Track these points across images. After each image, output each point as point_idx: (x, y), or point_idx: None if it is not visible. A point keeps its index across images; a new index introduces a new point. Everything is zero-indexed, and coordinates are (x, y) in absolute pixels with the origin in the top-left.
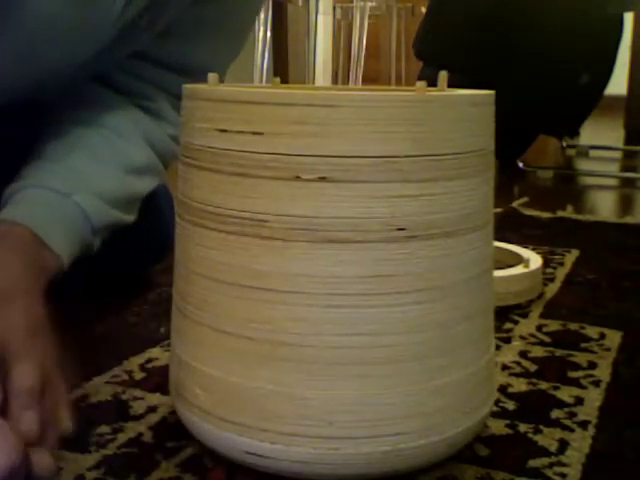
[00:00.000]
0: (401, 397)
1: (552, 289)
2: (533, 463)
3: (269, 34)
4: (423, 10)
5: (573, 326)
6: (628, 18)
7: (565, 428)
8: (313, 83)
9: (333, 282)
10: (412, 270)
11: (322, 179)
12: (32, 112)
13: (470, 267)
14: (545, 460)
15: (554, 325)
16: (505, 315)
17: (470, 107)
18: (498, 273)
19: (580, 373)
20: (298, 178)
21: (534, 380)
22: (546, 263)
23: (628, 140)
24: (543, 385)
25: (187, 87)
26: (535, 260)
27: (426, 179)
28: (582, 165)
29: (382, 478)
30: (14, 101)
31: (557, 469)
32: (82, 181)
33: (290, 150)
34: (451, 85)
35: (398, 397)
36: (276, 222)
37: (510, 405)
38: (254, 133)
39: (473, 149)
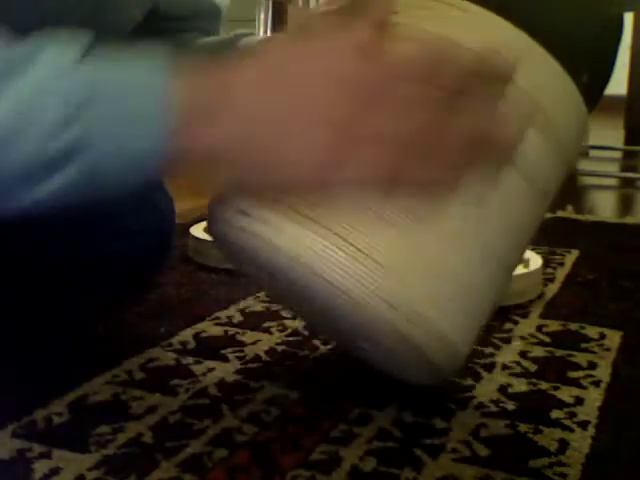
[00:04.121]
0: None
1: (552, 289)
2: (533, 463)
3: (269, 34)
4: None
5: (573, 326)
6: (628, 18)
7: (565, 428)
8: None
9: None
10: None
11: None
12: None
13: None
14: (545, 460)
15: (554, 325)
16: (505, 315)
17: None
18: None
19: (580, 373)
20: None
21: (534, 380)
22: (546, 263)
23: (628, 140)
24: (543, 385)
25: None
26: (535, 260)
27: None
28: (582, 165)
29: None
30: None
31: (557, 469)
32: None
33: None
34: None
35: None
36: None
37: (510, 405)
38: None
39: None
